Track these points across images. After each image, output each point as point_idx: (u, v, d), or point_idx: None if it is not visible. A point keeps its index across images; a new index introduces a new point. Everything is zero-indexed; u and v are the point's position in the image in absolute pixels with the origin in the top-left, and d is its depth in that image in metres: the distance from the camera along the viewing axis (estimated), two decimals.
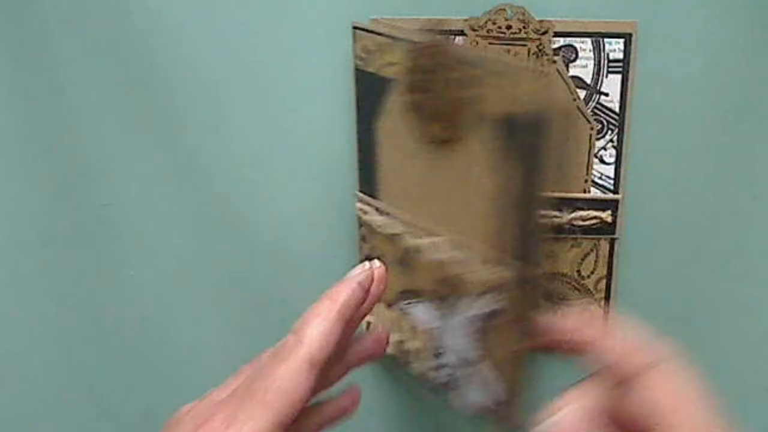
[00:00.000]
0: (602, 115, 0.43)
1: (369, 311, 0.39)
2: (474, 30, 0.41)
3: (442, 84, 0.36)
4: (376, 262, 0.39)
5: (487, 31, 0.41)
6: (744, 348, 0.47)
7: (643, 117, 0.43)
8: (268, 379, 0.34)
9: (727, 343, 0.46)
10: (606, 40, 0.42)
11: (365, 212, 0.44)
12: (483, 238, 0.37)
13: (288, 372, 0.34)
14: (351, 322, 0.37)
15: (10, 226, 0.48)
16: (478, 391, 0.40)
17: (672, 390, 0.31)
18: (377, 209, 0.43)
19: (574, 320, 0.35)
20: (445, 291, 0.40)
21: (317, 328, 0.35)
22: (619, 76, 0.42)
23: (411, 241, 0.41)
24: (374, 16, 0.42)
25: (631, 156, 0.43)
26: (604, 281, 0.45)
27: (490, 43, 0.41)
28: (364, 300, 0.38)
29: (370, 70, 0.41)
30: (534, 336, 0.36)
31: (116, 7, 0.44)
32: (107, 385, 0.52)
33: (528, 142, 0.33)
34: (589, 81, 0.42)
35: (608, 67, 0.42)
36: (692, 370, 0.32)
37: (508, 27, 0.41)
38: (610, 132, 0.43)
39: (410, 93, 0.38)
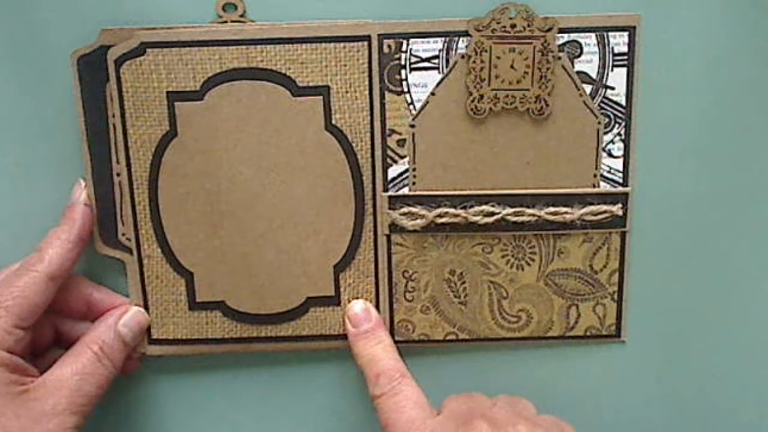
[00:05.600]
0: (609, 108, 0.43)
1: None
2: (478, 30, 0.41)
3: None
4: (82, 182, 0.43)
5: (492, 31, 0.41)
6: (755, 338, 0.47)
7: (650, 109, 0.43)
8: (11, 288, 0.39)
9: (740, 334, 0.47)
10: (610, 34, 0.42)
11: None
12: None
13: (29, 284, 0.39)
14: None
15: None
16: None
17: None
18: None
19: None
20: None
21: (58, 249, 0.41)
22: (624, 70, 0.42)
23: None
24: (382, 20, 0.41)
25: (639, 148, 0.43)
26: (616, 274, 0.45)
27: (495, 43, 0.41)
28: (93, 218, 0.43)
29: None
30: None
31: None
32: None
33: None
34: (594, 75, 0.42)
35: (613, 60, 0.42)
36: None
37: (513, 26, 0.41)
38: (617, 125, 0.43)
39: None
